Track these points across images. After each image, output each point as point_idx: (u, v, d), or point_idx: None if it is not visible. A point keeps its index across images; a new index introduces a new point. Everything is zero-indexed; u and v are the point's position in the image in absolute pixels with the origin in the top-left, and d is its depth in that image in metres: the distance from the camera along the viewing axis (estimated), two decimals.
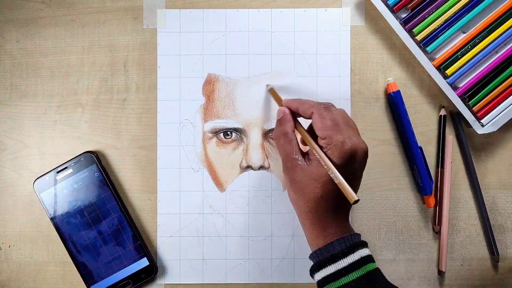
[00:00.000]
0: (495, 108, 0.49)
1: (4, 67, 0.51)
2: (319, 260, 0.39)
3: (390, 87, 0.50)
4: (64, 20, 0.51)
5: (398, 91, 0.49)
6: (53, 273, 0.51)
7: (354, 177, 0.40)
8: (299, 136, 0.43)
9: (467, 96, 0.48)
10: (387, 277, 0.39)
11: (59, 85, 0.51)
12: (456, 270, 0.51)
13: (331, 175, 0.38)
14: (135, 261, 0.49)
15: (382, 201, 0.51)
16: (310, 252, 0.41)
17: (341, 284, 0.37)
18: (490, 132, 0.48)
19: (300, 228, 0.50)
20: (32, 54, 0.51)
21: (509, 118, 0.48)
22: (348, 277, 0.37)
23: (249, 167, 0.50)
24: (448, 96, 0.48)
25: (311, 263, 0.40)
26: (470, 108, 0.49)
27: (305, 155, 0.41)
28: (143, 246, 0.49)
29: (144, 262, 0.49)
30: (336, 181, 0.37)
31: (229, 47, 0.51)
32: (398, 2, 0.48)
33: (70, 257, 0.49)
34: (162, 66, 0.51)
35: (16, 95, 0.51)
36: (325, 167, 0.38)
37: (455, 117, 0.50)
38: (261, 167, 0.50)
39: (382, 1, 0.48)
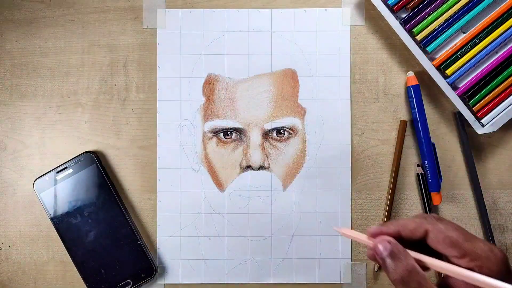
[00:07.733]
0: (495, 108, 0.48)
1: (4, 67, 0.51)
2: None
3: (410, 81, 0.50)
4: (64, 20, 0.51)
5: (418, 85, 0.49)
6: (53, 273, 0.51)
7: None
8: None
9: (467, 96, 0.48)
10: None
11: (59, 85, 0.51)
12: None
13: None
14: (135, 261, 0.49)
15: (382, 201, 0.51)
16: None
17: None
18: (490, 132, 0.48)
19: (300, 228, 0.50)
20: (32, 54, 0.51)
21: (509, 118, 0.48)
22: None
23: (249, 167, 0.50)
24: (448, 96, 0.48)
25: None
26: (470, 108, 0.49)
27: None
28: (143, 246, 0.49)
29: (144, 262, 0.49)
30: None
31: (229, 47, 0.51)
32: (398, 2, 0.48)
33: (70, 257, 0.49)
34: (162, 66, 0.51)
35: (16, 95, 0.51)
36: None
37: (457, 117, 0.50)
38: (261, 167, 0.50)
39: (382, 1, 0.48)
